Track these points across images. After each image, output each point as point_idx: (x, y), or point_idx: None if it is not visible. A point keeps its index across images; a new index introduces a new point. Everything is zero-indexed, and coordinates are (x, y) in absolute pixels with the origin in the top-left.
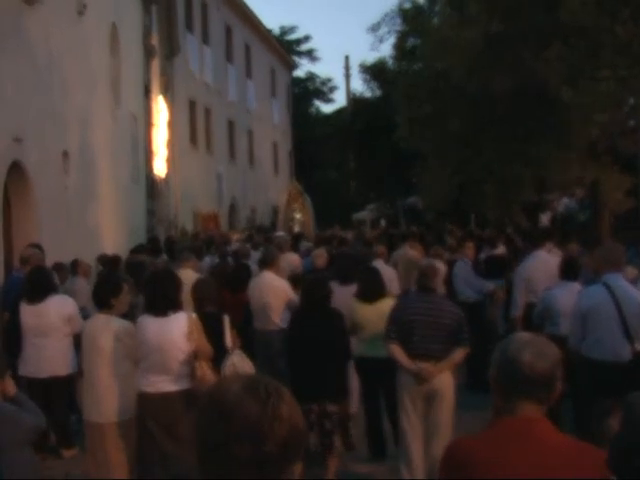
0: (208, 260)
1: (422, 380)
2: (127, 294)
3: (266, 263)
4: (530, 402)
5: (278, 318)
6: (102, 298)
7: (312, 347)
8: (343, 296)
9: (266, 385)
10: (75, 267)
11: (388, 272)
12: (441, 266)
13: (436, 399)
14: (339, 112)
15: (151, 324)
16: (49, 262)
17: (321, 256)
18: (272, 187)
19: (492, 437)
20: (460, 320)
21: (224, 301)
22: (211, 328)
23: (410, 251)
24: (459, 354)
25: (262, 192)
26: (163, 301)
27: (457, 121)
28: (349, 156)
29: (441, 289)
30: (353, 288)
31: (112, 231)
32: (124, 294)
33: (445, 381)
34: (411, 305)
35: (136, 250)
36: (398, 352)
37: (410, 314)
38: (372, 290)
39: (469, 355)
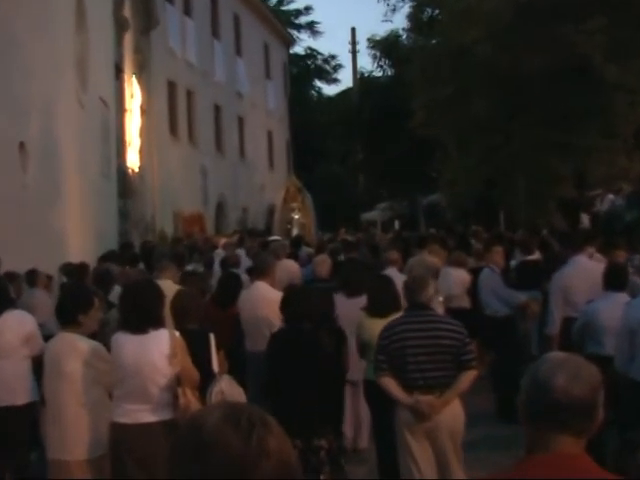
0: (191, 269)
1: (423, 416)
2: (98, 310)
3: (259, 272)
4: (567, 434)
5: None
6: (68, 314)
7: (293, 369)
8: (350, 310)
9: (249, 414)
10: (33, 278)
11: (402, 282)
12: (464, 275)
13: (441, 437)
14: (345, 95)
15: (127, 343)
16: (2, 272)
17: (324, 264)
18: (267, 183)
19: (522, 478)
20: (463, 338)
21: (209, 317)
22: (195, 349)
23: (429, 257)
24: (465, 379)
25: (255, 189)
26: (142, 316)
27: (483, 104)
28: (356, 147)
29: (463, 302)
30: (362, 301)
31: (78, 236)
32: (94, 310)
33: (451, 414)
34: (400, 328)
35: (106, 258)
36: (392, 386)
37: (400, 338)
38: (384, 303)
39: (498, 379)
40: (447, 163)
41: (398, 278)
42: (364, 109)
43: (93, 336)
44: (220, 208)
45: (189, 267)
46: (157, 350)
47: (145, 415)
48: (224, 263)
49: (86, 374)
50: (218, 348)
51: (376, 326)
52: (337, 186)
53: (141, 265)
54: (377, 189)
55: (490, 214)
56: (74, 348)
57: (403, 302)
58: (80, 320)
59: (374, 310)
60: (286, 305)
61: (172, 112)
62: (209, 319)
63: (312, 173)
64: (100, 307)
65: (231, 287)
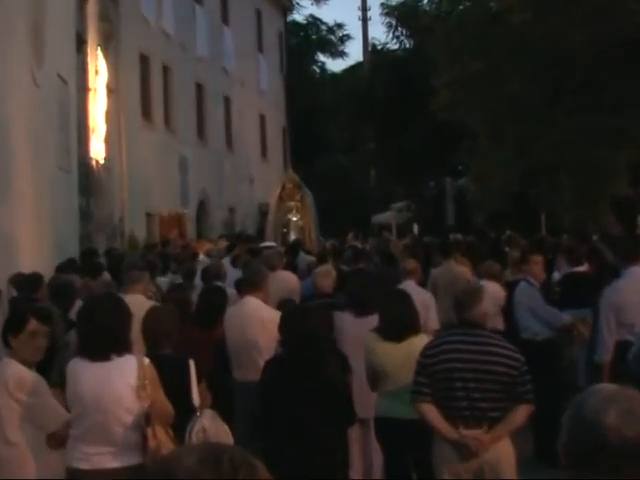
0: (167, 281)
1: (469, 453)
2: (37, 334)
3: (250, 286)
4: None
5: None
6: (3, 335)
7: (292, 404)
8: (358, 332)
9: (232, 456)
10: None
11: (423, 297)
12: (497, 290)
13: (488, 478)
14: (353, 72)
15: (86, 372)
16: None
17: (327, 276)
18: (259, 178)
19: None
20: (520, 366)
21: (188, 340)
22: (170, 379)
23: (457, 267)
24: (520, 414)
25: (244, 185)
26: (104, 339)
27: (519, 84)
28: (367, 134)
29: (496, 322)
30: (373, 321)
31: (31, 241)
32: (26, 334)
33: (502, 453)
34: (449, 347)
35: (64, 267)
36: (433, 415)
37: (448, 359)
38: (399, 323)
39: (537, 416)
40: (476, 154)
41: (417, 293)
42: (376, 88)
43: (45, 363)
44: (202, 208)
45: (163, 279)
46: (122, 380)
47: (107, 459)
48: (206, 274)
49: (11, 410)
50: (199, 378)
51: (390, 352)
52: (343, 182)
53: (106, 276)
54: (392, 185)
55: (529, 216)
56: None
57: (429, 321)
58: (11, 343)
59: (388, 332)
60: (286, 326)
61: (145, 92)
62: (188, 342)
63: (313, 166)
64: (59, 324)
65: (214, 304)
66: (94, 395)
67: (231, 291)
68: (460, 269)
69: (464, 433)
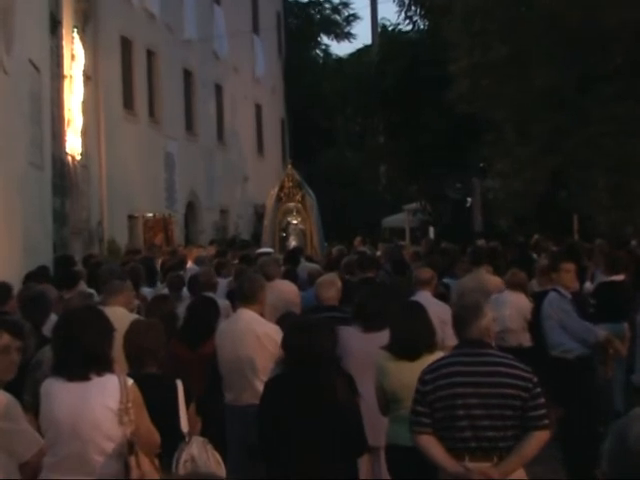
0: (151, 292)
1: None
2: (9, 349)
3: (244, 297)
4: None
5: (263, 385)
6: None
7: (296, 430)
8: (366, 349)
9: None
10: None
11: (439, 310)
12: (524, 301)
13: None
14: (360, 56)
15: (62, 393)
16: None
17: (331, 286)
18: (254, 176)
19: None
20: (532, 387)
21: (176, 358)
22: (157, 401)
23: (487, 277)
24: (533, 443)
25: (238, 184)
26: (82, 357)
27: (548, 71)
28: (376, 126)
29: (522, 338)
30: (383, 337)
31: None
32: None
33: None
34: (449, 370)
35: (37, 276)
36: (435, 448)
37: (449, 384)
38: (414, 340)
39: (569, 443)
40: (500, 150)
41: (433, 305)
42: (386, 75)
43: (15, 383)
44: (191, 210)
45: (149, 289)
46: (102, 403)
47: None
48: (195, 284)
49: None
50: (188, 401)
51: (404, 372)
52: (350, 180)
53: (83, 286)
54: (405, 184)
55: (559, 219)
56: None
57: (447, 337)
58: None
59: (401, 350)
60: (289, 342)
61: (127, 80)
62: (175, 361)
63: (316, 162)
64: (30, 338)
65: (204, 317)
66: (71, 420)
67: (223, 303)
68: (494, 279)
69: (470, 467)
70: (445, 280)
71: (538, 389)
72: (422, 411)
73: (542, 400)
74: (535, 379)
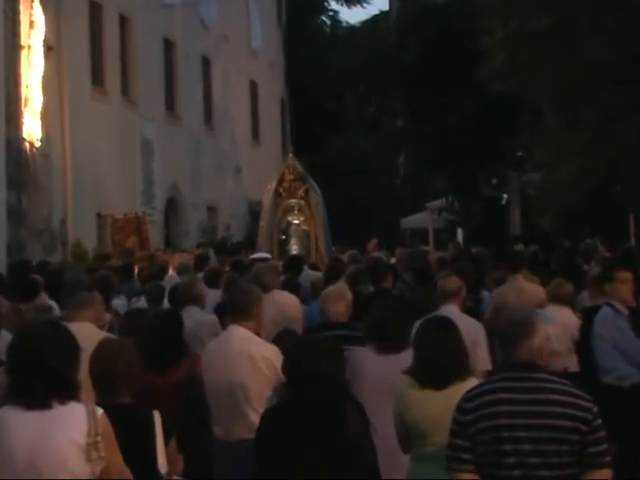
0: (123, 304)
1: None
2: None
3: (236, 312)
4: None
5: (258, 416)
6: None
7: (301, 469)
8: (382, 374)
9: None
10: None
11: (470, 328)
12: (570, 318)
13: None
14: (376, 25)
15: (19, 425)
16: None
17: (340, 298)
18: (249, 167)
19: None
20: (592, 419)
21: (150, 385)
22: (130, 436)
23: (525, 285)
24: None
25: (229, 177)
26: (43, 382)
27: (599, 44)
28: (394, 108)
29: (568, 361)
30: (403, 359)
31: None
32: None
33: None
34: (493, 398)
35: None
36: None
37: (492, 414)
38: (442, 364)
39: None
40: (541, 137)
41: (461, 321)
42: (407, 48)
43: None
44: (173, 207)
45: (118, 301)
46: (66, 437)
47: None
48: (176, 295)
49: None
50: (167, 435)
51: (429, 402)
52: (363, 172)
53: (44, 298)
54: (428, 176)
55: (613, 220)
56: None
57: (479, 359)
58: None
59: (426, 376)
60: (292, 365)
61: (96, 51)
62: (148, 388)
63: (322, 151)
64: None
65: (168, 335)
66: (29, 456)
67: (211, 318)
68: (533, 289)
69: None
70: (477, 292)
71: (599, 421)
72: (462, 445)
73: (603, 434)
74: (595, 409)
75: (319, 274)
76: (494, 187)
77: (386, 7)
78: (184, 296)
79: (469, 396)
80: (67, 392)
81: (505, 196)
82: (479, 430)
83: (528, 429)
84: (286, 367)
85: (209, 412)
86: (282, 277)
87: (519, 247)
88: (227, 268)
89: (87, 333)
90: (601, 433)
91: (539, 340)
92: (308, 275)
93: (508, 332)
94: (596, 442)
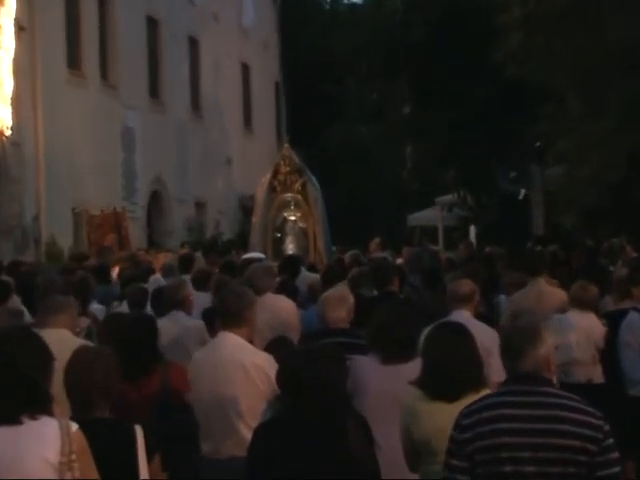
0: (102, 309)
1: None
2: None
3: (227, 318)
4: None
5: (250, 432)
6: None
7: None
8: (387, 386)
9: None
10: None
11: (484, 336)
12: (595, 324)
13: None
14: (379, 2)
15: None
16: None
17: (341, 302)
18: (240, 159)
19: None
20: (602, 438)
21: (123, 399)
22: (108, 453)
23: (546, 289)
24: None
25: (219, 169)
26: (12, 394)
27: (625, 23)
28: (400, 93)
29: (591, 372)
30: (409, 370)
31: None
32: None
33: None
34: (493, 414)
35: None
36: None
37: (492, 432)
38: (454, 374)
39: None
40: (562, 126)
41: (474, 328)
42: (414, 27)
43: None
44: (157, 202)
45: (96, 306)
46: (37, 455)
47: None
48: (159, 300)
49: None
50: (150, 452)
51: (440, 416)
52: (365, 164)
53: (16, 301)
54: (437, 168)
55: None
56: None
57: (492, 370)
58: None
59: (437, 387)
60: (288, 376)
61: (73, 31)
62: (126, 401)
63: (321, 141)
64: None
65: (138, 342)
66: None
67: (198, 323)
68: (555, 293)
69: None
70: (491, 296)
71: (610, 440)
72: (458, 466)
73: (616, 455)
74: (607, 427)
75: (317, 276)
76: (513, 181)
77: None
78: (169, 300)
79: (467, 412)
80: (39, 405)
81: (523, 191)
82: (477, 449)
83: (531, 449)
84: (281, 377)
85: (196, 427)
86: (277, 279)
87: (536, 247)
88: (216, 270)
89: (62, 340)
90: (613, 454)
91: (545, 351)
92: (305, 277)
93: (512, 341)
94: (607, 464)
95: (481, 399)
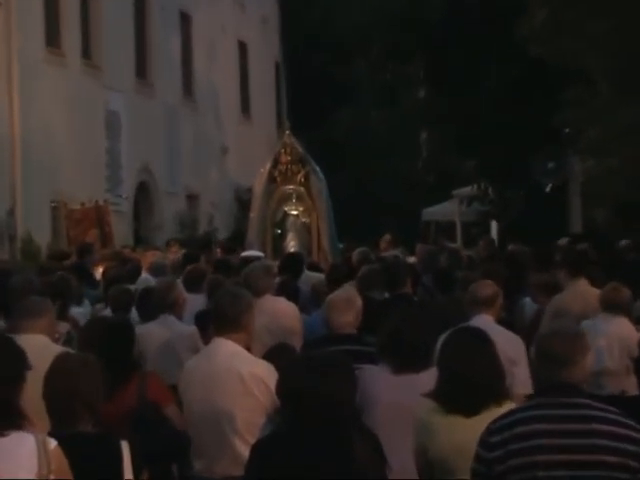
0: (83, 313)
1: None
2: None
3: (222, 322)
4: None
5: (247, 448)
6: None
7: None
8: (399, 397)
9: None
10: None
11: (507, 344)
12: (626, 329)
13: None
14: None
15: None
16: None
17: (348, 306)
18: (237, 147)
19: None
20: None
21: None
22: (92, 471)
23: (590, 292)
24: None
25: (213, 158)
26: None
27: None
28: (415, 75)
29: (625, 382)
30: (424, 380)
31: None
32: None
33: None
34: (526, 430)
35: None
36: None
37: (526, 449)
38: (474, 386)
39: None
40: (592, 111)
41: (497, 335)
42: (430, 2)
43: None
44: (144, 194)
45: (77, 310)
46: (10, 474)
47: None
48: (147, 302)
49: None
50: (137, 470)
51: (458, 431)
52: (375, 153)
53: None
54: (456, 157)
55: None
56: None
57: (518, 381)
58: None
59: (454, 400)
60: (290, 387)
61: (51, 5)
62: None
63: (326, 127)
64: None
65: (115, 350)
66: None
67: (191, 330)
68: (586, 290)
69: None
70: (513, 299)
71: None
72: None
73: None
74: None
75: (322, 276)
76: (549, 173)
77: None
78: (158, 302)
79: (495, 427)
80: (11, 419)
81: (550, 184)
82: (510, 469)
83: (569, 467)
84: (282, 388)
85: (184, 443)
86: (277, 280)
87: (562, 242)
88: (210, 269)
89: (39, 347)
90: None
91: (587, 361)
92: (308, 277)
93: (556, 347)
94: None
95: (511, 413)
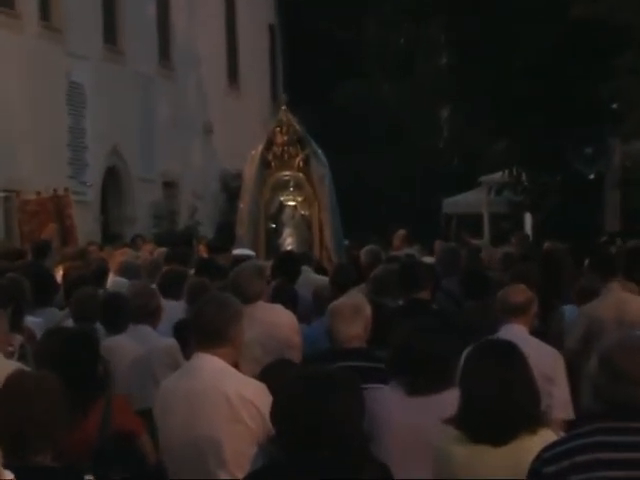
0: (40, 323)
1: None
2: None
3: (205, 335)
4: None
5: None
6: None
7: None
8: (414, 422)
9: None
10: None
11: (543, 358)
12: None
13: None
14: None
15: None
16: None
17: (355, 315)
18: (223, 125)
19: None
20: None
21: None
22: None
23: (624, 297)
24: None
25: (195, 138)
26: None
27: None
28: (434, 39)
29: None
30: (443, 403)
31: None
32: None
33: None
34: (588, 459)
35: None
36: None
37: None
38: (500, 410)
39: None
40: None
41: (530, 348)
42: None
43: None
44: (114, 182)
45: (33, 319)
46: None
47: None
48: (116, 309)
49: None
50: None
51: (484, 462)
52: (387, 132)
53: None
54: (483, 138)
55: None
56: None
57: (556, 403)
58: None
59: (479, 426)
60: (286, 410)
61: None
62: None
63: (328, 101)
64: None
65: (75, 367)
66: None
67: (170, 342)
68: (636, 302)
69: None
70: (550, 306)
71: None
72: None
73: None
74: None
75: (325, 279)
76: (587, 159)
77: None
78: (131, 310)
79: (549, 456)
80: None
81: (592, 172)
82: None
83: None
84: (277, 411)
85: (163, 478)
86: (271, 283)
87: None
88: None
89: None
90: None
91: None
92: (309, 280)
93: (629, 365)
94: None
95: (567, 439)
